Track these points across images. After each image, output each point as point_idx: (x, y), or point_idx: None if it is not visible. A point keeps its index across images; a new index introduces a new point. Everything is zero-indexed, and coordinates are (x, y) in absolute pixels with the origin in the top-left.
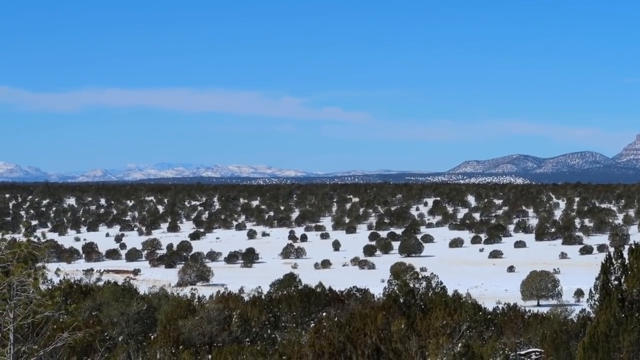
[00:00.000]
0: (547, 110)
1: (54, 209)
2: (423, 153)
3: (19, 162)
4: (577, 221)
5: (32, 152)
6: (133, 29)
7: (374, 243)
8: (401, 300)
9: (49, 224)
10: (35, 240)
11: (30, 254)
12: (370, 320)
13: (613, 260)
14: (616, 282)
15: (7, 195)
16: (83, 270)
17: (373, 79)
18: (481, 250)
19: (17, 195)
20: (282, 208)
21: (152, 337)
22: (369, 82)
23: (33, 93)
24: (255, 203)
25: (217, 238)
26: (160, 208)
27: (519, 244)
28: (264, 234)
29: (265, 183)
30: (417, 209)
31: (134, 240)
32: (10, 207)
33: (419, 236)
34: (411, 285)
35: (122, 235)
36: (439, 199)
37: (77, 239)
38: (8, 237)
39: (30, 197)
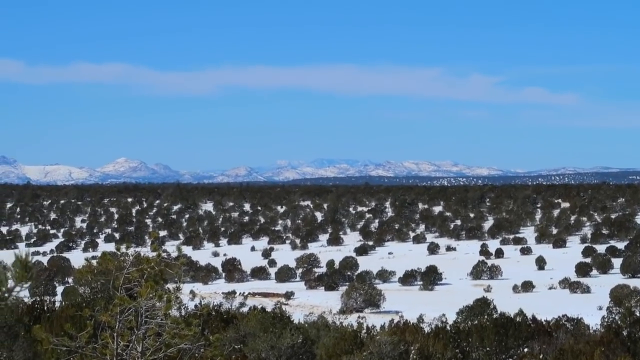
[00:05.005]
0: None
1: (187, 216)
2: None
3: (144, 159)
4: None
5: (160, 146)
6: None
7: (588, 260)
8: (625, 333)
9: (180, 235)
10: (165, 255)
11: (161, 272)
12: (585, 358)
13: None
14: None
15: (130, 200)
16: (223, 292)
17: (586, 51)
18: None
19: (142, 200)
20: (471, 215)
21: None
22: (581, 54)
23: (158, 72)
24: (437, 209)
25: (389, 253)
26: (319, 215)
27: None
28: (449, 248)
29: (450, 184)
30: None
31: (285, 255)
32: (134, 214)
33: None
34: (637, 314)
35: (272, 249)
36: None
37: (216, 254)
38: (132, 251)
39: (157, 201)
